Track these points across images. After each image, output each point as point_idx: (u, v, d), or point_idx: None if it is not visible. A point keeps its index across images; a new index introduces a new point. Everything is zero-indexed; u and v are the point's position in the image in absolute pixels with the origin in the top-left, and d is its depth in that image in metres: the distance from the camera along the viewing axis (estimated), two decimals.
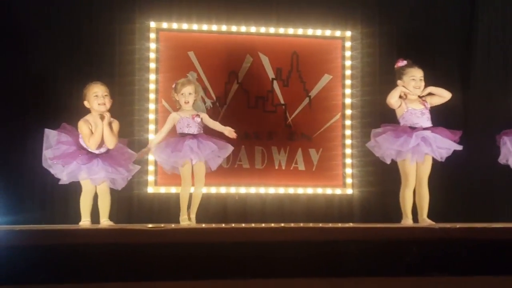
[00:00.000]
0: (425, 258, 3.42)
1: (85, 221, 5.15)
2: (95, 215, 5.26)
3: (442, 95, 5.42)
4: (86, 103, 5.24)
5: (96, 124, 5.14)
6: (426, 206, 5.31)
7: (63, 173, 5.09)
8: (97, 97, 5.18)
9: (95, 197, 5.25)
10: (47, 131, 5.12)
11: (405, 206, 5.31)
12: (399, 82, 5.38)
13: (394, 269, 3.41)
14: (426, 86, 5.39)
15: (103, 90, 5.21)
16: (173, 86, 5.57)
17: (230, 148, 5.52)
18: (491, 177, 6.66)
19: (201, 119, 5.49)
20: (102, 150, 5.15)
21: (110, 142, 5.16)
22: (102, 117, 5.17)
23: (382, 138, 5.31)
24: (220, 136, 5.57)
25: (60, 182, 5.19)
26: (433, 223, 5.15)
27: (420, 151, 5.23)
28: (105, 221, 5.16)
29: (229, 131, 5.55)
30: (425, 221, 5.23)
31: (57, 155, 5.04)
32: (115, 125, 5.25)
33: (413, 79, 5.35)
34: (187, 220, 5.35)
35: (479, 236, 3.53)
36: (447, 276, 3.37)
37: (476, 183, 6.85)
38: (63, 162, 5.04)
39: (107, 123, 5.16)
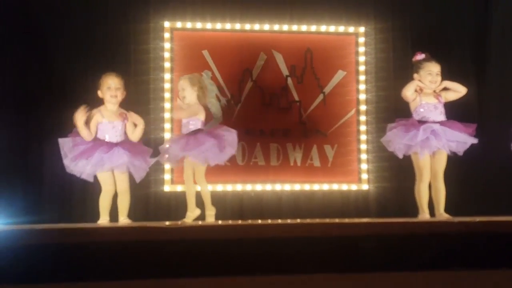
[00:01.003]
0: (445, 252, 3.41)
1: (103, 220, 5.18)
2: (113, 213, 5.29)
3: (458, 90, 5.40)
4: (99, 93, 5.29)
5: (97, 118, 5.18)
6: (443, 200, 5.30)
7: (87, 167, 5.09)
8: (109, 89, 5.23)
9: (114, 198, 5.28)
10: (61, 140, 5.15)
11: (421, 201, 5.30)
12: (415, 75, 5.37)
13: (413, 264, 3.41)
14: (441, 80, 5.38)
15: (116, 83, 5.25)
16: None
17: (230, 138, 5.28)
18: (508, 170, 6.61)
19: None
20: (119, 138, 5.20)
21: (135, 138, 5.28)
22: (122, 116, 5.23)
23: (392, 133, 5.33)
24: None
25: (89, 178, 5.16)
26: (450, 217, 5.14)
27: (430, 145, 5.21)
28: (123, 220, 5.20)
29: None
30: (442, 215, 5.22)
31: (77, 154, 5.08)
32: (139, 121, 5.31)
33: (429, 74, 5.34)
34: (190, 218, 5.29)
35: (498, 229, 3.51)
36: (466, 270, 3.36)
37: (493, 176, 6.79)
38: (86, 155, 5.07)
39: (131, 123, 5.25)
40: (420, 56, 5.42)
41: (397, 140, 5.30)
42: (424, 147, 5.22)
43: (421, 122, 5.25)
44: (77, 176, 5.18)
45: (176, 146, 5.23)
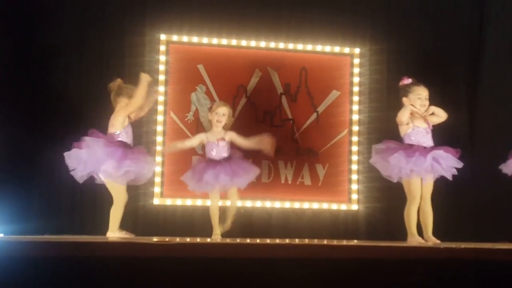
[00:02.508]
0: (430, 278, 3.41)
1: (119, 233, 5.22)
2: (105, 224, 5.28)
3: (440, 115, 5.45)
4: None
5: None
6: (431, 224, 5.31)
7: (118, 171, 5.13)
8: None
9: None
10: (88, 139, 5.17)
11: (410, 224, 5.29)
12: (404, 99, 5.38)
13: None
14: (432, 104, 5.42)
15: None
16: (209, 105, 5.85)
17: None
18: (498, 195, 6.63)
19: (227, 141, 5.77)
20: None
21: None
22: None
23: (394, 158, 5.22)
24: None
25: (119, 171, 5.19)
26: (438, 241, 5.15)
27: (435, 170, 5.24)
28: (118, 232, 5.21)
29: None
30: (430, 238, 5.22)
31: (109, 154, 5.12)
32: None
33: (419, 98, 5.37)
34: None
35: (484, 256, 3.52)
36: None
37: (483, 201, 6.81)
38: (120, 159, 5.14)
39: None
40: (407, 80, 5.45)
41: (401, 165, 5.22)
42: (428, 173, 5.24)
43: (413, 145, 5.27)
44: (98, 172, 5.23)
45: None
